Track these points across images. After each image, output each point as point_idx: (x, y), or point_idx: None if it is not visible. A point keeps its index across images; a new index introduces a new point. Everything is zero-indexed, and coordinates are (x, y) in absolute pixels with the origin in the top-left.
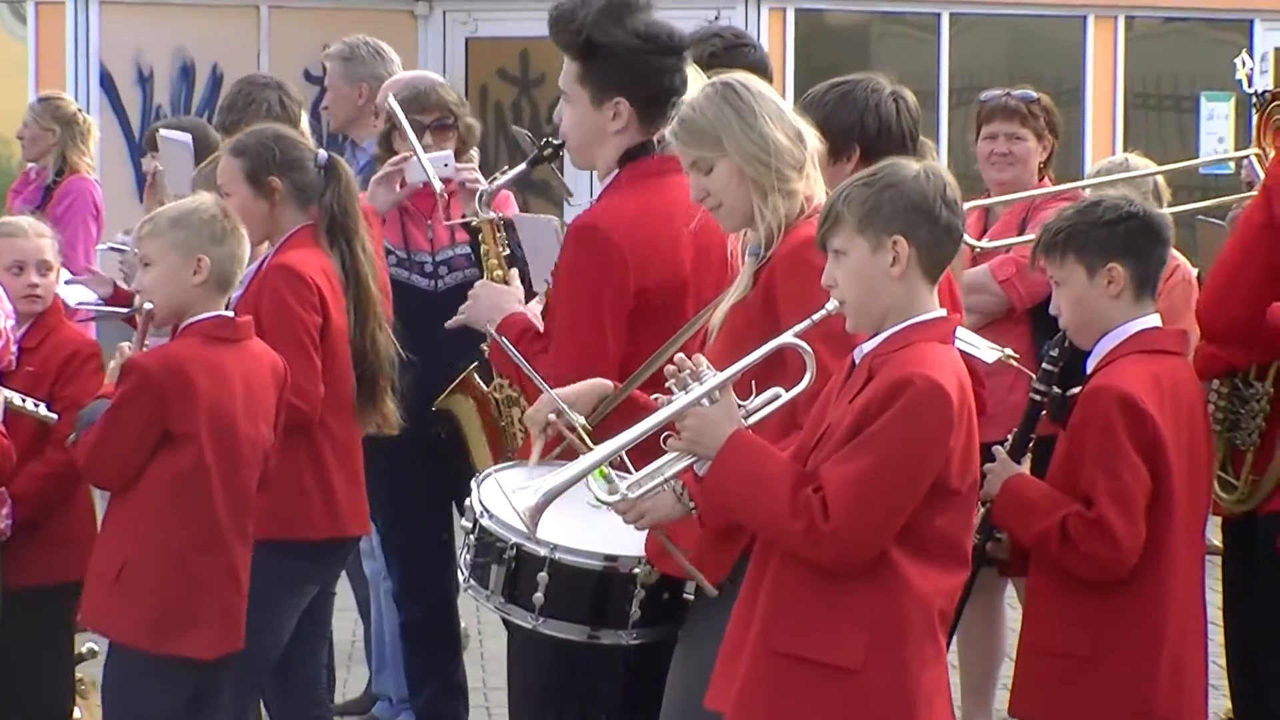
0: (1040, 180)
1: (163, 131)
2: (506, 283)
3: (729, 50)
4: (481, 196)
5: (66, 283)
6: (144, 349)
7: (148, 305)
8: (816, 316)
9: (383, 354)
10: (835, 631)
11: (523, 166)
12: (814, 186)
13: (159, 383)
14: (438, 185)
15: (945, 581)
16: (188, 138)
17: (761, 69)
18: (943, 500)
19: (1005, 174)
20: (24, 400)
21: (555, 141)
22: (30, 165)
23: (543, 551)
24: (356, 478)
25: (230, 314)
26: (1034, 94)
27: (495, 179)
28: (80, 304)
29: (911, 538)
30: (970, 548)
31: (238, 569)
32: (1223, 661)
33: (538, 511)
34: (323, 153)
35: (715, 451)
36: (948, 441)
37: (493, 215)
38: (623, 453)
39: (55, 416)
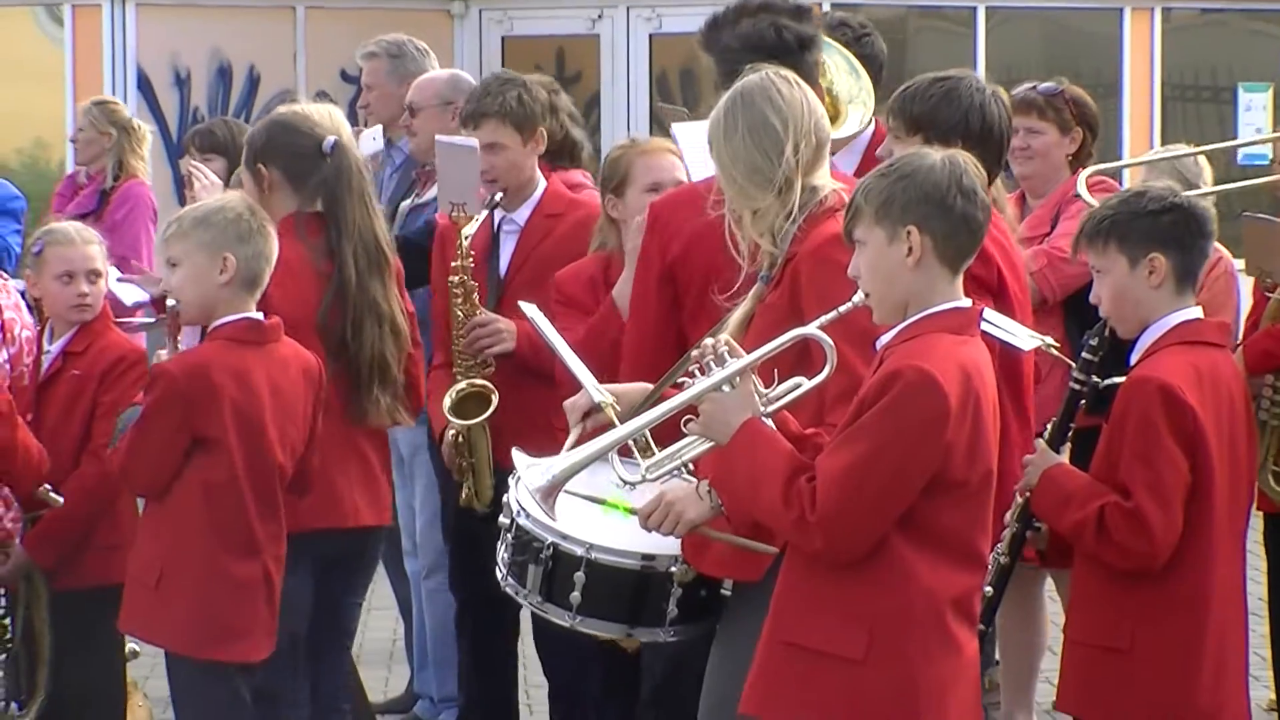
0: (1073, 174)
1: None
2: None
3: (857, 40)
4: None
5: (118, 280)
6: (176, 350)
7: (170, 302)
8: (843, 308)
9: (368, 346)
10: (839, 622)
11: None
12: (793, 200)
13: (184, 388)
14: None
15: (957, 579)
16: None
17: (874, 60)
18: (947, 493)
19: (1025, 168)
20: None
21: None
22: (80, 168)
23: (579, 551)
24: (330, 469)
25: (259, 316)
26: (1059, 86)
27: None
28: (121, 320)
29: (917, 530)
30: (986, 544)
31: (272, 573)
32: (1264, 652)
33: (549, 493)
34: (330, 138)
35: (727, 438)
36: (942, 434)
37: None
38: (649, 436)
39: (59, 499)
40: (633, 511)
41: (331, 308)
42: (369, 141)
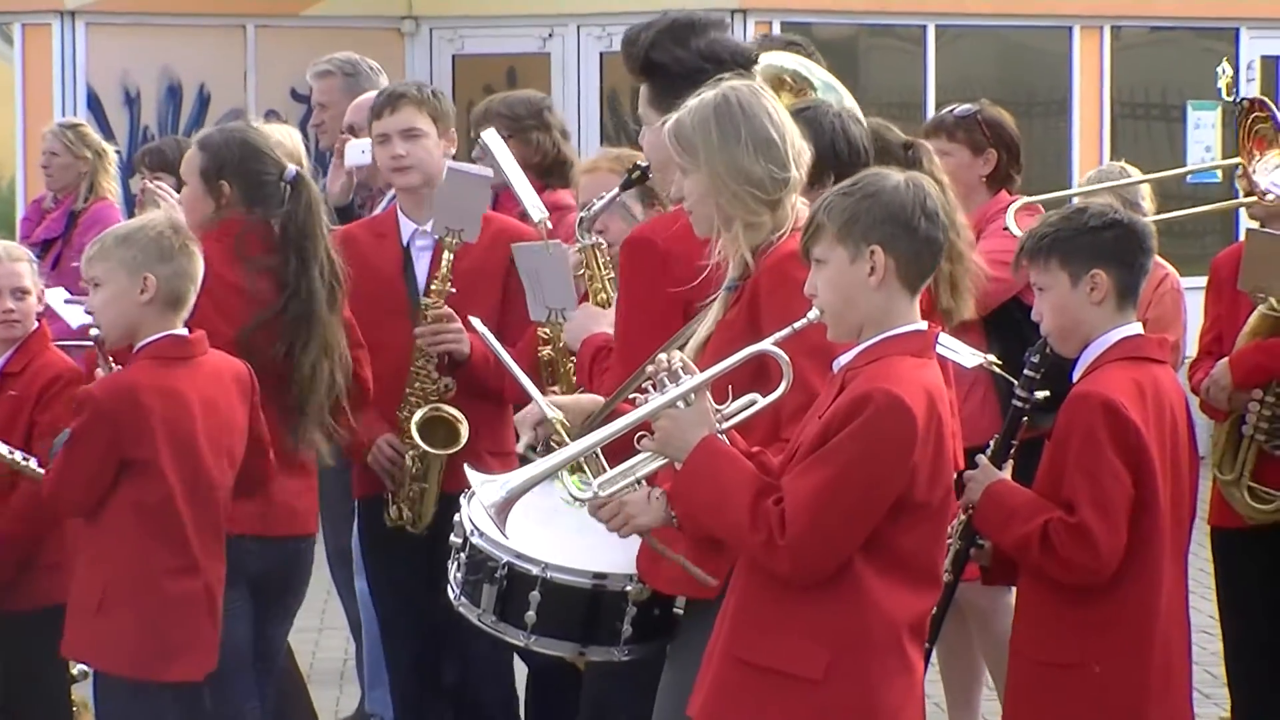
0: (996, 193)
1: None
2: (609, 305)
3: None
4: (581, 222)
5: (65, 301)
6: (110, 369)
7: (94, 331)
8: (798, 325)
9: (323, 385)
10: (798, 641)
11: (616, 191)
12: (785, 218)
13: (110, 411)
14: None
15: (914, 601)
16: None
17: None
18: (910, 515)
19: None
20: (12, 453)
21: (643, 164)
22: (46, 194)
23: (535, 570)
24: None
25: (182, 331)
26: (974, 108)
27: (593, 204)
28: (65, 343)
29: (878, 552)
30: (942, 566)
31: (214, 589)
32: (1216, 670)
33: (504, 507)
34: (292, 168)
35: (684, 455)
36: (910, 457)
37: (594, 240)
38: (600, 454)
39: (41, 472)
40: (582, 485)
41: (271, 328)
42: (356, 153)
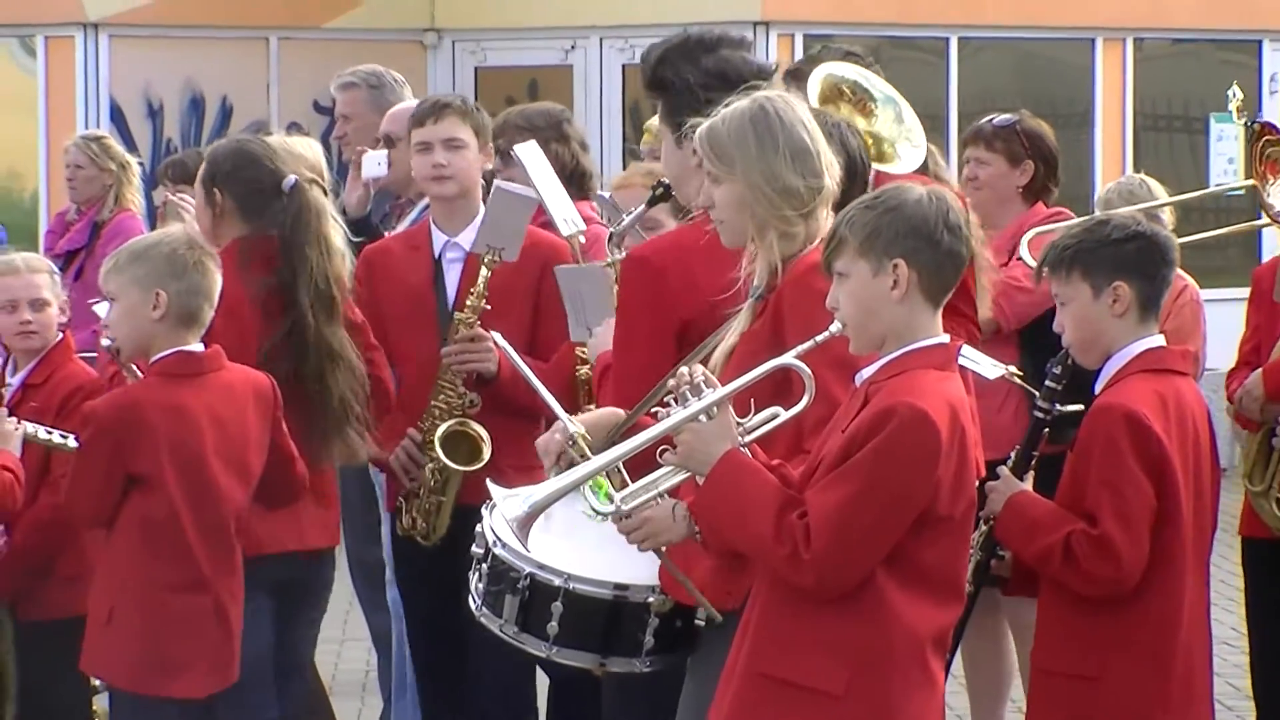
0: (1032, 205)
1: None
2: None
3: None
4: (611, 238)
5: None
6: (136, 378)
7: (105, 342)
8: (820, 338)
9: (335, 391)
10: (820, 656)
11: (642, 208)
12: (818, 229)
13: (112, 426)
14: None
15: (937, 615)
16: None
17: None
18: (933, 529)
19: (974, 198)
20: (50, 433)
21: (666, 181)
22: (70, 206)
23: (557, 581)
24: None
25: (194, 348)
26: (1014, 119)
27: (621, 221)
28: (83, 353)
29: (900, 566)
30: (965, 580)
31: (225, 605)
32: (1238, 682)
33: (525, 522)
34: (290, 178)
35: (707, 468)
36: (934, 471)
37: (622, 256)
38: (622, 467)
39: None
40: (609, 498)
41: (280, 349)
42: (372, 165)
